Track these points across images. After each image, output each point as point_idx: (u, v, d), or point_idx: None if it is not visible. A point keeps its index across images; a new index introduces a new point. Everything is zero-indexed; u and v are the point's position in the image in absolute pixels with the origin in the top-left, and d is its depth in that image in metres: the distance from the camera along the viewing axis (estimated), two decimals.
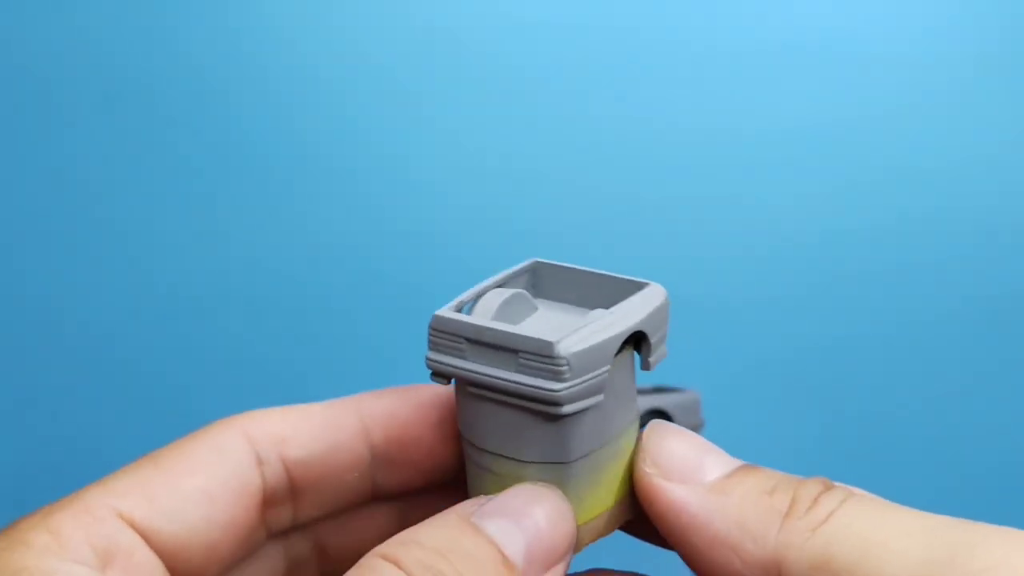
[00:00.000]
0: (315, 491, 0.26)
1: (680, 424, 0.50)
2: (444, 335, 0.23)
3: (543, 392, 0.23)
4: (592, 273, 0.26)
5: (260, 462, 0.25)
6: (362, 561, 0.21)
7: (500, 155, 0.64)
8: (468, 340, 0.23)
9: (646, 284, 0.25)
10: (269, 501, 0.25)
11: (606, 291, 0.25)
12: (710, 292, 0.63)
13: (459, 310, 0.24)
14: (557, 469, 0.24)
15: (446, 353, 0.23)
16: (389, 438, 0.26)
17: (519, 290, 0.25)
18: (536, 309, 0.26)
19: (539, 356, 0.23)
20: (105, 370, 0.61)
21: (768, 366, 0.62)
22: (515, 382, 0.23)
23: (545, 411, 0.23)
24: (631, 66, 0.65)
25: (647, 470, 0.24)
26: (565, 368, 0.22)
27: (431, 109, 0.65)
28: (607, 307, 0.24)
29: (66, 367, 0.61)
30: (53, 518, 0.22)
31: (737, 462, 0.24)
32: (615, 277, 0.25)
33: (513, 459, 0.24)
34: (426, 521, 0.22)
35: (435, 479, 0.27)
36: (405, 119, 0.65)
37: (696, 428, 0.50)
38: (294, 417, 0.26)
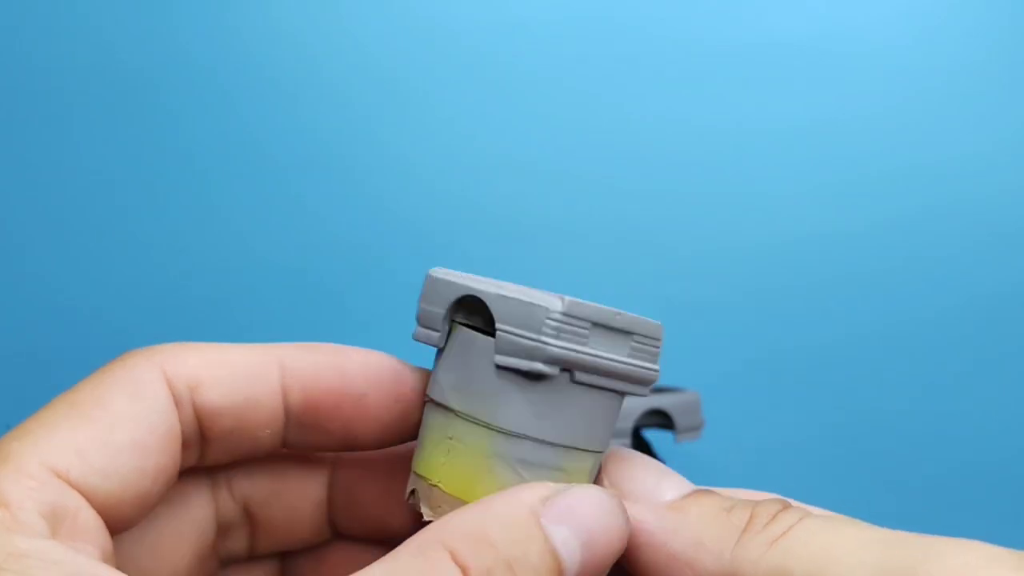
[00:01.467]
0: (225, 441, 0.25)
1: (680, 424, 0.50)
2: (574, 320, 0.22)
3: (648, 373, 0.23)
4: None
5: (177, 405, 0.24)
6: (425, 545, 0.21)
7: (500, 152, 0.64)
8: (594, 324, 0.23)
9: None
10: (183, 444, 0.25)
11: None
12: (710, 292, 0.63)
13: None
14: (598, 456, 0.24)
15: (568, 339, 0.22)
16: (306, 402, 0.25)
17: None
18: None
19: (651, 339, 0.23)
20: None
21: (769, 366, 0.62)
22: (629, 363, 0.23)
23: (630, 392, 0.24)
24: (631, 65, 0.65)
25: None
26: (661, 348, 0.24)
27: (433, 105, 0.65)
28: None
29: (66, 363, 0.61)
30: None
31: (693, 486, 0.24)
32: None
33: (582, 450, 0.23)
34: (495, 507, 0.21)
35: (346, 448, 0.27)
36: (406, 115, 0.65)
37: (696, 428, 0.50)
38: (213, 360, 0.25)
